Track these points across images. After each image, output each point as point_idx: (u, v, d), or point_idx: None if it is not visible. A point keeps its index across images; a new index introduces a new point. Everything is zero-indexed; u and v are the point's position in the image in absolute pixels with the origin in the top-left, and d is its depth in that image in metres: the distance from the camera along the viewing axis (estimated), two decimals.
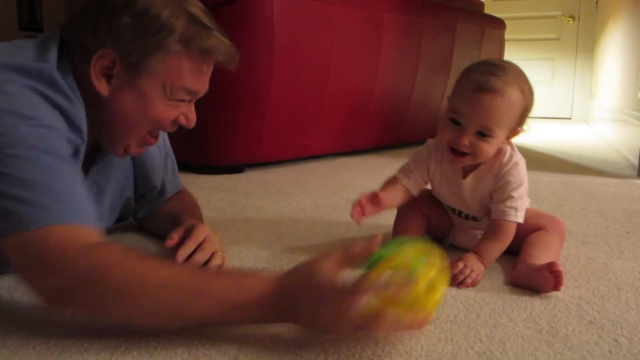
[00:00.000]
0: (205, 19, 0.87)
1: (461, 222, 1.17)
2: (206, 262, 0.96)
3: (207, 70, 0.91)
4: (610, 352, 0.74)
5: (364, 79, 2.51)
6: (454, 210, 1.16)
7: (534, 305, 0.88)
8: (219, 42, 0.87)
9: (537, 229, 1.09)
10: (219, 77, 2.00)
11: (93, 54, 0.82)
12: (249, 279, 0.73)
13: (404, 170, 1.14)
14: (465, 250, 1.17)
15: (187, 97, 0.90)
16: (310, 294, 0.70)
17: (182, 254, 0.94)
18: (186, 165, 2.12)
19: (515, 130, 1.04)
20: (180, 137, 2.22)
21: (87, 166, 0.96)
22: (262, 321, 0.74)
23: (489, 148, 1.02)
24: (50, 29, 5.51)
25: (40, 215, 0.70)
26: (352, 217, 1.05)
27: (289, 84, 2.12)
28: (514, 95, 0.98)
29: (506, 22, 3.72)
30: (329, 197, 1.72)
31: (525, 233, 1.08)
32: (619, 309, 0.87)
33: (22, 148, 0.71)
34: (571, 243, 1.24)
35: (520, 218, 1.04)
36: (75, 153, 0.81)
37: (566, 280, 0.99)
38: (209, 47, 0.86)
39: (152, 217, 1.21)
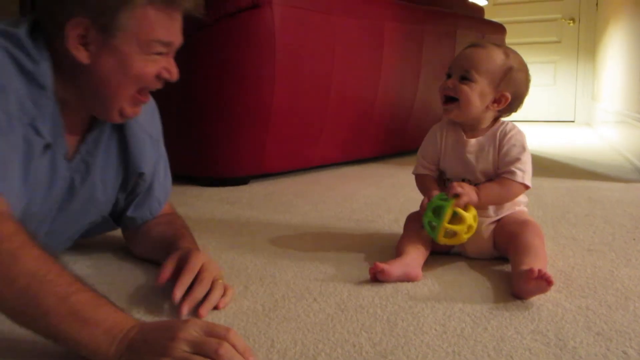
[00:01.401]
0: None
1: None
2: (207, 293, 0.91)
3: (177, 20, 0.94)
4: None
5: (366, 88, 2.52)
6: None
7: (541, 316, 0.88)
8: None
9: (517, 230, 1.11)
10: (222, 90, 2.02)
11: (65, 24, 0.86)
12: (110, 307, 0.72)
13: (420, 166, 1.24)
14: (473, 258, 1.17)
15: (164, 49, 0.93)
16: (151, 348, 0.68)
17: (180, 290, 0.89)
18: (191, 178, 2.13)
19: (499, 90, 1.13)
20: (185, 151, 2.25)
21: (78, 145, 1.00)
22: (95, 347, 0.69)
23: (469, 91, 1.12)
24: None
25: None
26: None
27: (291, 95, 2.13)
28: (495, 52, 1.14)
29: (507, 25, 3.73)
30: (333, 207, 1.72)
31: (509, 235, 1.12)
32: (627, 320, 0.87)
33: None
34: (577, 251, 1.23)
35: (527, 181, 1.12)
36: (32, 122, 0.85)
37: (573, 289, 1.00)
38: None
39: (141, 241, 1.17)
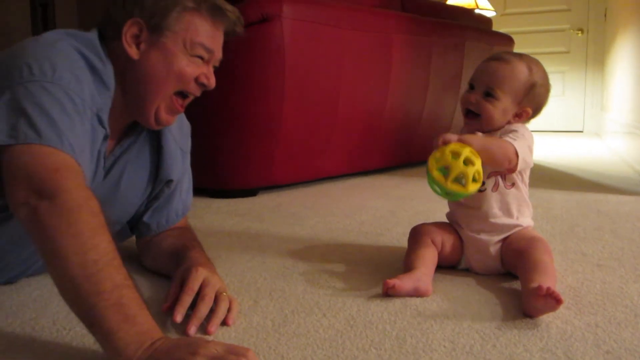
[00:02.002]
0: None
1: (467, 212, 1.18)
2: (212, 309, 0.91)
3: (219, 32, 1.04)
4: None
5: (374, 100, 2.53)
6: None
7: (550, 334, 0.88)
8: (224, 2, 1.03)
9: (525, 247, 1.10)
10: (231, 102, 2.03)
11: (124, 25, 0.98)
12: (149, 314, 0.74)
13: None
14: (480, 274, 1.18)
15: (205, 55, 1.02)
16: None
17: (180, 312, 0.89)
18: (200, 189, 2.14)
19: (522, 105, 1.15)
20: (194, 162, 2.25)
21: (114, 148, 1.08)
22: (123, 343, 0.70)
23: (492, 109, 1.13)
24: None
25: (47, 136, 0.80)
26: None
27: (300, 107, 2.15)
28: (519, 66, 1.14)
29: (515, 36, 3.74)
30: (342, 220, 1.73)
31: (517, 253, 1.11)
32: (636, 338, 0.87)
33: (54, 84, 0.85)
34: (586, 267, 1.23)
35: (519, 147, 1.08)
36: (98, 112, 0.95)
37: (582, 306, 1.00)
38: (217, 4, 1.02)
39: (153, 253, 1.18)
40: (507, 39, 3.52)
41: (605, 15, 5.04)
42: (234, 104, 2.04)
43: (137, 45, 0.99)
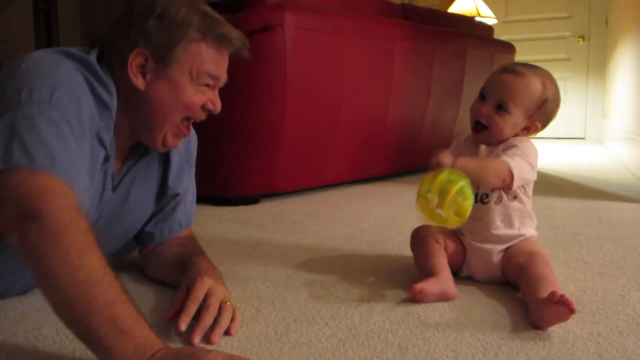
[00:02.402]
0: (215, 15, 1.03)
1: (470, 222, 1.15)
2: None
3: (225, 58, 1.05)
4: None
5: (376, 107, 2.54)
6: None
7: (552, 343, 0.89)
8: (231, 30, 1.03)
9: (526, 262, 1.09)
10: (234, 110, 2.04)
11: (129, 54, 0.97)
12: (146, 325, 0.74)
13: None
14: (480, 281, 1.18)
15: (211, 82, 1.03)
16: None
17: (184, 321, 0.90)
18: (202, 197, 2.14)
19: (532, 120, 1.15)
20: (196, 170, 2.26)
21: (121, 167, 1.09)
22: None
23: (502, 123, 1.13)
24: None
25: (38, 160, 0.80)
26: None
27: (302, 115, 2.15)
28: (532, 81, 1.13)
29: (517, 43, 3.75)
30: (344, 228, 1.73)
31: (518, 268, 1.10)
32: (638, 347, 0.87)
33: (52, 107, 0.85)
34: (588, 275, 1.24)
35: (515, 167, 1.08)
36: (99, 133, 0.94)
37: (584, 315, 1.00)
38: (224, 33, 1.01)
39: (156, 263, 1.19)
40: (509, 47, 3.53)
41: (606, 23, 5.05)
42: (236, 112, 2.05)
43: (143, 75, 0.99)
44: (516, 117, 1.13)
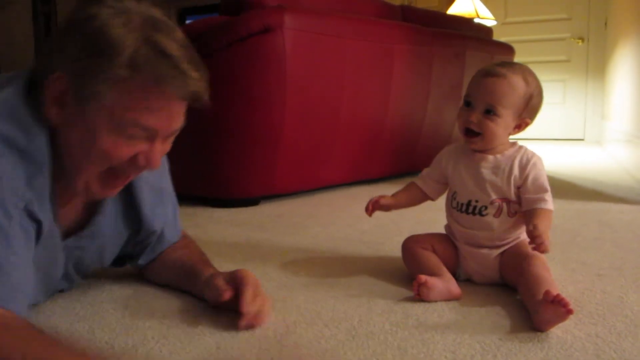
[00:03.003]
0: (173, 48, 0.77)
1: (466, 233, 1.18)
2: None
3: (172, 104, 0.80)
4: None
5: (376, 109, 2.55)
6: (462, 207, 1.17)
7: (550, 344, 0.89)
8: (180, 74, 0.77)
9: (524, 265, 1.09)
10: (233, 112, 2.05)
11: (46, 78, 0.78)
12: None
13: (421, 176, 1.29)
14: (478, 283, 1.18)
15: (142, 134, 0.80)
16: None
17: (250, 306, 0.92)
18: (202, 199, 2.15)
19: (521, 117, 1.15)
20: (196, 172, 2.27)
21: (78, 215, 0.95)
22: None
23: (494, 127, 1.13)
24: None
25: None
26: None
27: (302, 117, 2.16)
28: (515, 80, 1.13)
29: (516, 44, 3.76)
30: (343, 229, 1.73)
31: (516, 271, 1.10)
32: (636, 348, 0.87)
33: None
34: (586, 276, 1.24)
35: (549, 199, 1.12)
36: (28, 209, 0.78)
37: (582, 316, 1.00)
38: (163, 77, 0.76)
39: (158, 267, 1.15)
40: (508, 48, 3.54)
41: (605, 24, 5.06)
42: (236, 114, 2.05)
43: (61, 106, 0.79)
44: (507, 119, 1.13)
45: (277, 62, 2.02)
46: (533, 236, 1.02)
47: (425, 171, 1.29)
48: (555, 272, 1.25)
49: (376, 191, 1.33)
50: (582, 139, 5.28)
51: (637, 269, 1.29)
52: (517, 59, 3.67)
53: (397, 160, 2.81)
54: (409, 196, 1.28)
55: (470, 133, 1.15)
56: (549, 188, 1.13)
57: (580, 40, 5.25)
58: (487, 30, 3.63)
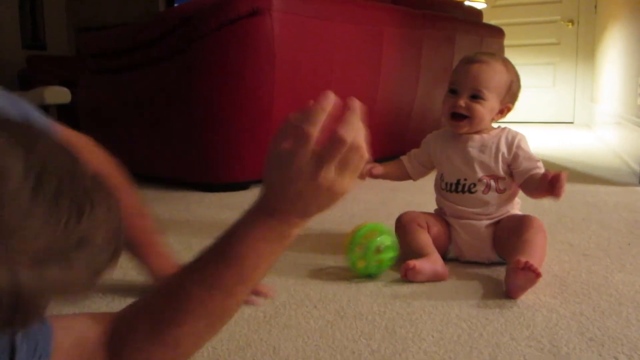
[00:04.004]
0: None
1: (457, 209, 1.21)
2: None
3: None
4: None
5: (365, 92, 2.54)
6: (451, 187, 1.21)
7: (535, 322, 0.90)
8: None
9: (518, 226, 1.14)
10: (222, 96, 2.04)
11: None
12: (238, 233, 0.63)
13: (408, 154, 1.34)
14: (469, 262, 1.20)
15: None
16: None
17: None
18: (192, 183, 2.15)
19: (504, 102, 1.20)
20: (186, 156, 2.26)
21: None
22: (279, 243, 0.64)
23: (482, 110, 1.17)
24: (53, 47, 5.56)
25: None
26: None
27: (291, 100, 2.15)
28: (497, 66, 1.19)
29: (506, 27, 3.76)
30: (333, 212, 1.73)
31: (510, 232, 1.14)
32: (619, 326, 0.89)
33: None
34: (573, 256, 1.26)
35: (539, 163, 1.18)
36: None
37: (568, 295, 1.02)
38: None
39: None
40: (498, 31, 3.54)
41: (595, 7, 5.06)
42: (225, 98, 2.04)
43: None
44: (492, 102, 1.18)
45: (265, 45, 2.01)
46: (553, 179, 1.03)
47: (413, 151, 1.33)
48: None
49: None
50: (572, 122, 5.30)
51: (622, 249, 1.31)
52: (507, 41, 3.68)
53: (387, 143, 2.80)
54: (396, 171, 1.34)
55: (457, 117, 1.19)
56: (539, 159, 1.18)
57: (570, 23, 5.25)
58: (477, 13, 3.62)
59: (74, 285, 0.40)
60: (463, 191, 1.21)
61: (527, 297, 1.00)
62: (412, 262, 1.07)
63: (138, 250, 0.94)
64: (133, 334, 0.63)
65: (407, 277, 1.08)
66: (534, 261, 0.99)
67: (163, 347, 0.62)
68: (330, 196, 0.62)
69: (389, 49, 2.57)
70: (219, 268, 0.62)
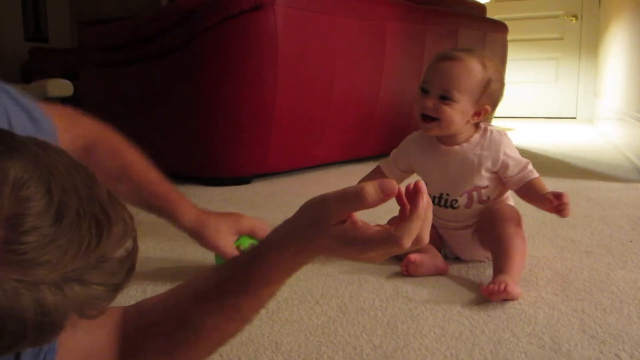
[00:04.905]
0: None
1: (441, 222, 1.20)
2: None
3: None
4: None
5: (368, 87, 2.54)
6: (434, 200, 1.17)
7: (537, 319, 0.91)
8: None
9: (497, 231, 1.10)
10: (225, 90, 2.04)
11: None
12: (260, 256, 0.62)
13: (387, 160, 1.27)
14: (467, 261, 1.20)
15: None
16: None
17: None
18: (195, 177, 2.15)
19: (480, 104, 1.11)
20: (188, 150, 2.26)
21: None
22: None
23: (451, 112, 1.09)
24: (55, 40, 5.56)
25: None
26: None
27: (294, 95, 2.15)
28: (472, 64, 1.09)
29: (509, 22, 3.74)
30: None
31: (489, 237, 1.12)
32: (621, 323, 0.89)
33: None
34: (575, 253, 1.26)
35: (537, 174, 1.13)
36: None
37: (570, 292, 1.02)
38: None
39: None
40: (501, 26, 3.53)
41: (599, 2, 5.04)
42: (227, 92, 2.04)
43: None
44: (464, 104, 1.09)
45: (268, 39, 2.00)
46: (558, 202, 1.01)
47: (392, 155, 1.26)
48: (544, 249, 1.27)
49: (368, 170, 1.34)
50: (574, 117, 5.29)
51: (624, 246, 1.31)
52: (510, 36, 3.67)
53: (390, 139, 2.80)
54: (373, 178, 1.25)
55: (426, 119, 1.11)
56: (526, 159, 1.14)
57: (573, 18, 5.24)
58: (481, 8, 3.61)
59: (93, 302, 0.40)
60: (446, 206, 1.17)
61: (529, 294, 1.00)
62: (414, 256, 1.07)
63: (158, 202, 0.98)
64: (146, 347, 0.63)
65: (408, 271, 1.08)
66: (515, 268, 1.01)
67: (176, 358, 0.64)
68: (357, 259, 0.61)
69: (392, 44, 2.57)
70: (239, 301, 0.61)
